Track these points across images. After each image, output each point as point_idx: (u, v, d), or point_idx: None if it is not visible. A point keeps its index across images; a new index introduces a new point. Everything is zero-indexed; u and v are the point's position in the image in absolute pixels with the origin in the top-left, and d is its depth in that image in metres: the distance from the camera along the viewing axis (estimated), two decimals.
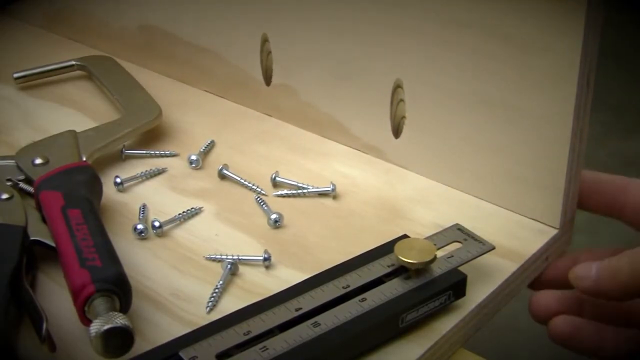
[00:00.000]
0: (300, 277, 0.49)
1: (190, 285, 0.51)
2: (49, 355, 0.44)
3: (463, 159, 0.57)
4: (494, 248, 0.50)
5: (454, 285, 0.47)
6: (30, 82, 0.73)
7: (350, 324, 0.44)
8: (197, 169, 0.62)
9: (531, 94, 0.52)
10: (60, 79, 0.73)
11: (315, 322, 0.44)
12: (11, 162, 0.57)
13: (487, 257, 0.50)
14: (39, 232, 0.51)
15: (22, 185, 0.56)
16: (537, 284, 0.55)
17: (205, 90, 0.71)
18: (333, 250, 0.53)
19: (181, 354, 0.42)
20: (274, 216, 0.55)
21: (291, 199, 0.58)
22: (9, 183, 0.56)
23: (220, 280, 0.50)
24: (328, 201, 0.58)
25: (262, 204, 0.57)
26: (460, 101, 0.56)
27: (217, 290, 0.50)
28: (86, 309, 0.45)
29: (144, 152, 0.63)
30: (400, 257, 0.47)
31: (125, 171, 0.61)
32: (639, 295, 0.49)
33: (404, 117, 0.59)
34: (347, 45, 0.60)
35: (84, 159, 0.58)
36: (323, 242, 0.54)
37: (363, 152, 0.63)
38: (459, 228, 0.51)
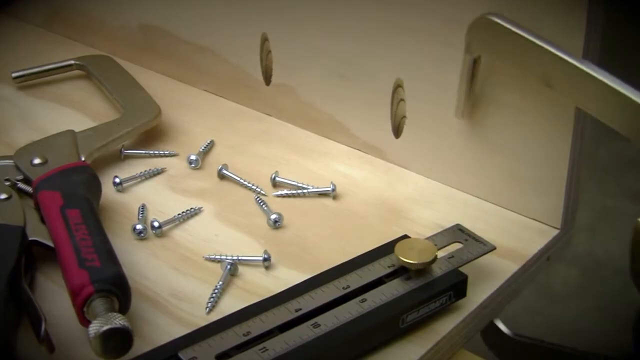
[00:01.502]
0: (300, 277, 0.48)
1: (189, 286, 0.51)
2: (48, 356, 0.44)
3: (464, 158, 0.57)
4: (494, 248, 0.49)
5: (455, 285, 0.47)
6: (29, 82, 0.72)
7: (350, 324, 0.44)
8: (197, 168, 0.62)
9: (532, 93, 0.52)
10: (59, 78, 0.73)
11: (315, 322, 0.44)
12: (10, 162, 0.57)
13: (488, 258, 0.50)
14: (37, 232, 0.51)
15: (20, 185, 0.56)
16: None
17: (205, 90, 0.71)
18: (333, 250, 0.53)
19: (180, 354, 0.42)
20: (273, 216, 0.55)
21: (291, 199, 0.58)
22: (7, 183, 0.55)
23: (220, 280, 0.50)
24: (328, 201, 0.58)
25: (261, 204, 0.57)
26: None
27: (216, 290, 0.50)
28: (85, 309, 0.45)
29: (143, 152, 0.63)
30: (401, 258, 0.47)
31: (125, 171, 0.61)
32: None
33: (404, 116, 0.59)
34: (347, 44, 0.60)
35: (83, 158, 0.58)
36: (323, 243, 0.54)
37: (363, 151, 0.63)
38: (459, 228, 0.51)
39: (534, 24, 0.50)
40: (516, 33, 0.49)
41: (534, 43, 0.49)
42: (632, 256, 0.48)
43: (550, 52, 0.48)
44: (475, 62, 0.53)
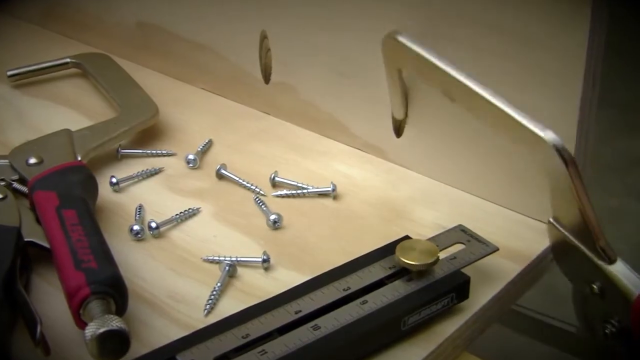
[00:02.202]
0: (300, 278, 0.48)
1: (187, 288, 0.50)
2: (44, 358, 0.44)
3: (465, 158, 0.57)
4: (497, 249, 0.49)
5: (457, 287, 0.47)
6: (24, 80, 0.72)
7: (350, 327, 0.44)
8: (195, 168, 0.61)
9: (536, 92, 0.52)
10: (55, 76, 0.73)
11: (315, 325, 0.44)
12: (5, 161, 0.57)
13: (491, 259, 0.49)
14: (33, 233, 0.51)
15: (16, 185, 0.55)
16: None
17: (203, 88, 0.71)
18: (333, 251, 0.52)
19: (178, 357, 0.42)
20: (273, 217, 0.55)
21: (291, 199, 0.58)
22: (2, 183, 0.55)
23: (219, 282, 0.50)
24: (328, 201, 0.57)
25: (261, 204, 0.57)
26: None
27: (215, 292, 0.49)
28: (81, 311, 0.44)
29: (141, 151, 0.63)
30: (402, 259, 0.46)
31: (121, 171, 0.60)
32: None
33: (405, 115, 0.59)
34: (347, 41, 0.60)
35: (79, 158, 0.57)
36: (323, 243, 0.54)
37: (364, 151, 0.62)
38: (462, 229, 0.50)
39: (538, 22, 0.50)
40: (416, 52, 0.51)
41: (431, 62, 0.51)
42: None
43: (444, 70, 0.50)
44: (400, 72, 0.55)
